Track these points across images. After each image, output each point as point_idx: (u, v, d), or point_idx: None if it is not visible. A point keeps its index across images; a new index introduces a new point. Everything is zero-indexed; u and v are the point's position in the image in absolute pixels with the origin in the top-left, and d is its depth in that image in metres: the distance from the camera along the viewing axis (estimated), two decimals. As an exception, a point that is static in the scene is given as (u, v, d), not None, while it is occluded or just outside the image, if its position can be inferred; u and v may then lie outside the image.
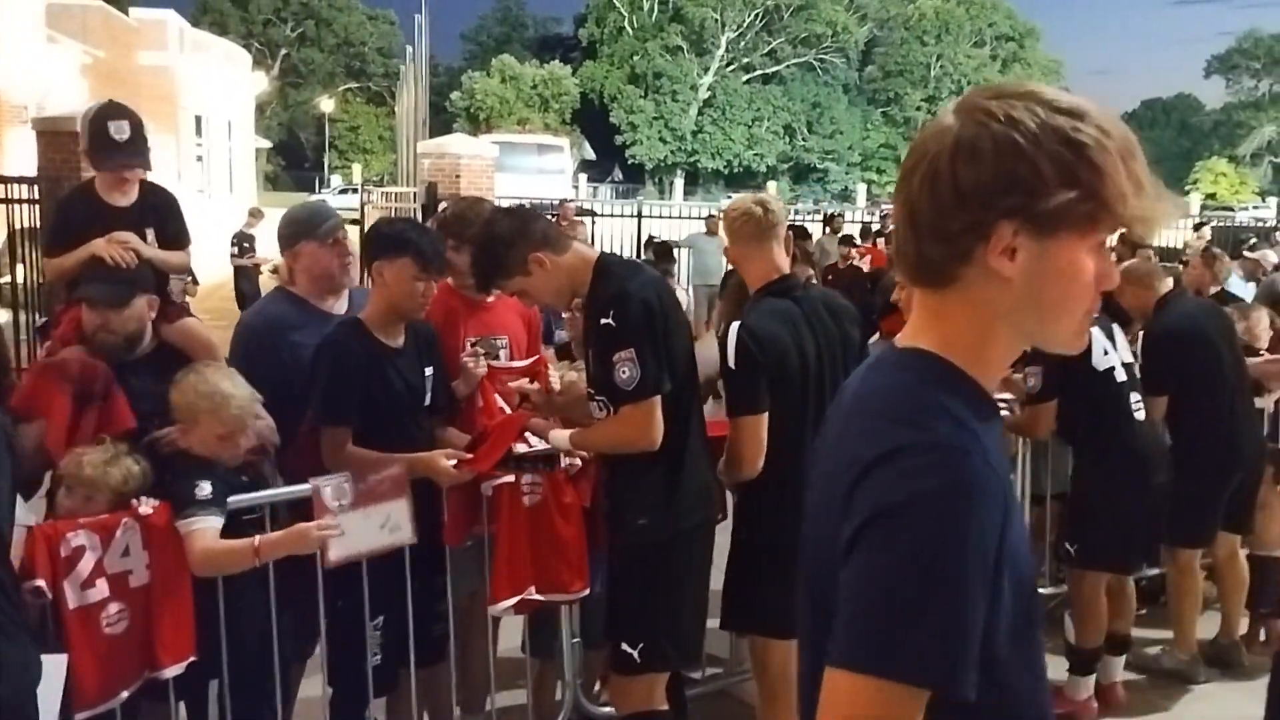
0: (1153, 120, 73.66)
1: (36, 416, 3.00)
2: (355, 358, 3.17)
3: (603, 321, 2.94)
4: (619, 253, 13.60)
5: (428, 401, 3.38)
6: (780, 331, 3.31)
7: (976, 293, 1.19)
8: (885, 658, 1.05)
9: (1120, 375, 4.28)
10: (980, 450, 1.12)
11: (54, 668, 2.62)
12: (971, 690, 1.07)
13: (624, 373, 2.91)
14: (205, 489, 2.83)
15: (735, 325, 3.31)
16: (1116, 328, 4.41)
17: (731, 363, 3.26)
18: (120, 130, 3.69)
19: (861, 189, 54.28)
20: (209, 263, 13.03)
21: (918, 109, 63.88)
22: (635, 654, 3.10)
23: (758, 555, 3.44)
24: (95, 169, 3.70)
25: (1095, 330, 4.13)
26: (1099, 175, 1.11)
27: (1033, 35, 68.76)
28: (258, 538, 2.87)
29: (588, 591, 3.61)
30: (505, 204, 4.34)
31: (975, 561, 1.07)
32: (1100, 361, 4.23)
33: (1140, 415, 4.31)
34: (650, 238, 13.48)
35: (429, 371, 3.37)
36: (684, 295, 9.12)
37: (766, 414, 3.29)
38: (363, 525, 3.07)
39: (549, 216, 13.49)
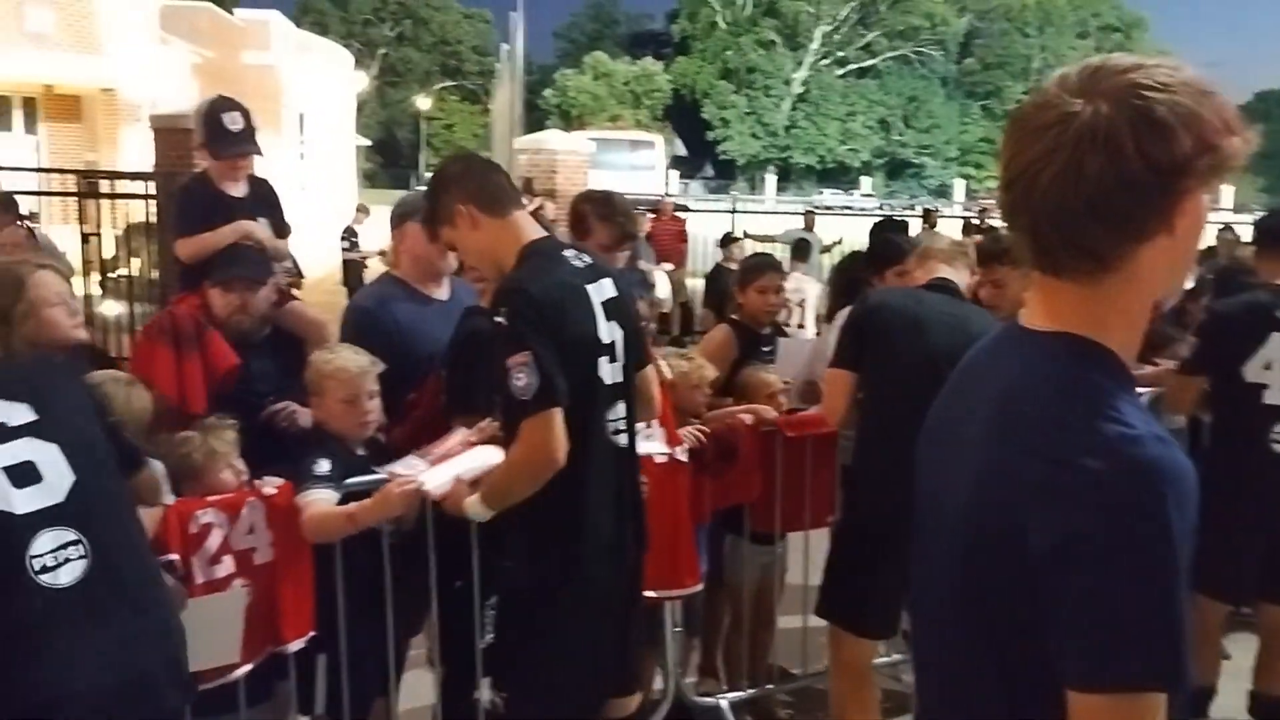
0: (1267, 113, 70.75)
1: (148, 378, 3.14)
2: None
3: (496, 319, 2.57)
4: (711, 249, 13.60)
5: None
6: (894, 301, 3.36)
7: (1145, 267, 1.17)
8: (1133, 669, 1.08)
9: (1273, 398, 3.64)
10: (1162, 442, 1.12)
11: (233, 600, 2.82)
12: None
13: (520, 379, 2.49)
14: (323, 466, 2.91)
15: None
16: None
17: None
18: (234, 121, 3.85)
19: (959, 184, 53.27)
20: (312, 258, 13.37)
21: (1018, 102, 62.09)
22: (500, 701, 2.85)
23: (854, 546, 3.45)
24: (214, 158, 3.84)
25: (1276, 338, 3.64)
26: (1231, 114, 1.15)
27: (1140, 26, 66.76)
28: (351, 504, 2.89)
29: (700, 587, 3.66)
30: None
31: (1182, 559, 1.09)
32: (1254, 373, 3.65)
33: None
34: (728, 234, 13.41)
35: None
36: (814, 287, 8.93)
37: (851, 374, 3.38)
38: (446, 470, 2.81)
39: (644, 212, 13.56)
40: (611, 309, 2.73)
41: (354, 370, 3.04)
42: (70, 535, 2.09)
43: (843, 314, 4.17)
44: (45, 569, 2.05)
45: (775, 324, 4.49)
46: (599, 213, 3.62)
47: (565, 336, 2.57)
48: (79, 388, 2.37)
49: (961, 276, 3.52)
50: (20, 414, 2.15)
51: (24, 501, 2.06)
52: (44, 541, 2.06)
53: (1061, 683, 1.11)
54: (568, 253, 2.78)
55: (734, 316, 4.41)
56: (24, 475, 2.09)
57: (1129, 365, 1.22)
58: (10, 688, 2.02)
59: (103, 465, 2.24)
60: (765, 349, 4.31)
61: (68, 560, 2.08)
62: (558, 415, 2.51)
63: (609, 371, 2.71)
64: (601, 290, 2.72)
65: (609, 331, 2.71)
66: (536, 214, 9.18)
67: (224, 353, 3.33)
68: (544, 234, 2.78)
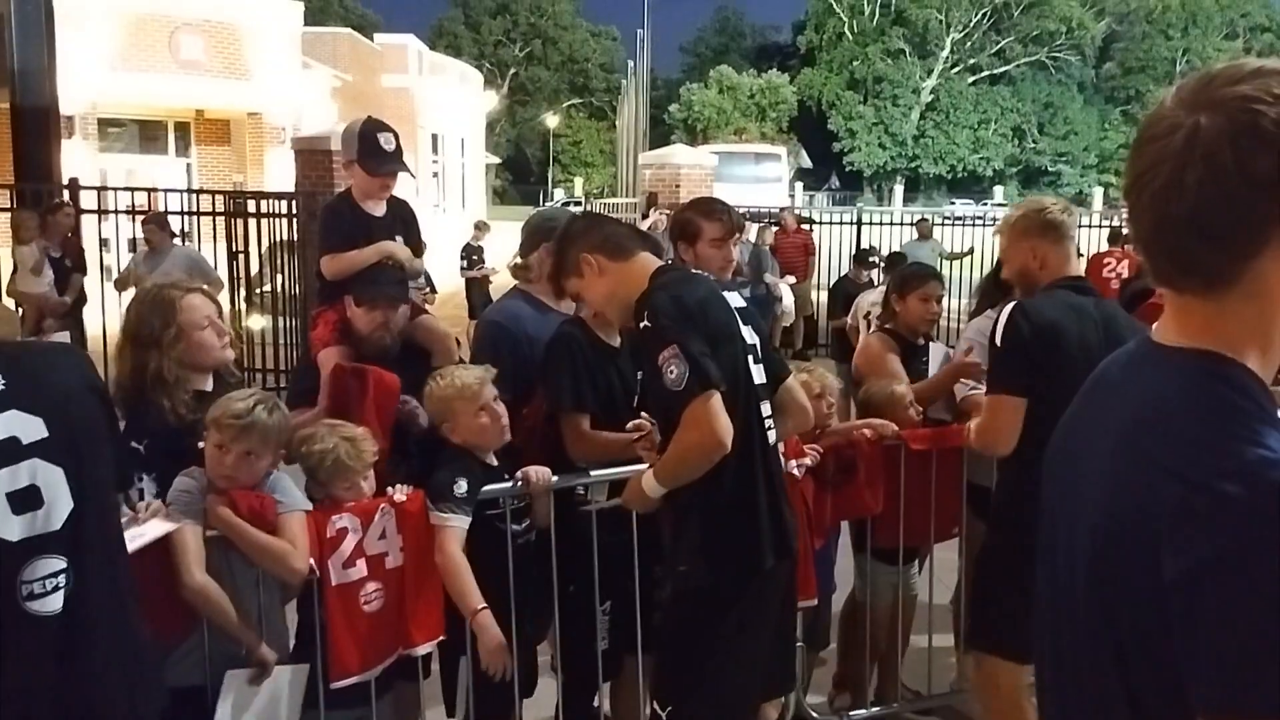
0: None
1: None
2: (586, 351, 3.28)
3: (641, 326, 2.71)
4: (836, 261, 13.42)
5: (636, 402, 3.46)
6: (1063, 321, 3.18)
7: (1271, 283, 1.12)
8: (1268, 697, 1.03)
9: None
10: None
11: (296, 677, 2.86)
12: None
13: (671, 372, 2.59)
14: (462, 486, 2.99)
15: (1011, 305, 3.25)
16: None
17: (998, 339, 3.18)
18: (388, 141, 3.99)
19: (1098, 192, 51.43)
20: (443, 274, 13.73)
21: (1160, 107, 60.12)
22: (664, 716, 2.85)
23: (1004, 568, 3.31)
24: (369, 175, 3.94)
25: None
26: None
27: (1293, 24, 63.44)
28: (482, 612, 2.93)
29: (815, 602, 3.66)
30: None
31: None
32: None
33: None
34: (871, 247, 13.13)
35: (640, 375, 3.46)
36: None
37: (1023, 400, 3.14)
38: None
39: (768, 224, 13.47)
40: (744, 316, 2.92)
41: (475, 383, 3.12)
42: (60, 564, 2.04)
43: (979, 318, 4.09)
44: (33, 595, 2.01)
45: (927, 334, 4.46)
46: (702, 210, 3.65)
47: (711, 330, 2.71)
48: (92, 398, 2.21)
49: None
50: (34, 429, 2.03)
51: (20, 528, 2.00)
52: (35, 568, 2.01)
53: (1192, 709, 1.07)
54: (696, 272, 2.98)
55: (888, 326, 4.38)
56: (25, 500, 2.01)
57: (1268, 385, 1.17)
58: None
59: (102, 489, 2.17)
60: (923, 359, 4.29)
61: (57, 588, 2.04)
62: (715, 398, 2.60)
63: (756, 371, 2.88)
64: (734, 299, 2.93)
65: (749, 334, 2.89)
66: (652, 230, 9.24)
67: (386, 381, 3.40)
68: (669, 263, 2.96)
